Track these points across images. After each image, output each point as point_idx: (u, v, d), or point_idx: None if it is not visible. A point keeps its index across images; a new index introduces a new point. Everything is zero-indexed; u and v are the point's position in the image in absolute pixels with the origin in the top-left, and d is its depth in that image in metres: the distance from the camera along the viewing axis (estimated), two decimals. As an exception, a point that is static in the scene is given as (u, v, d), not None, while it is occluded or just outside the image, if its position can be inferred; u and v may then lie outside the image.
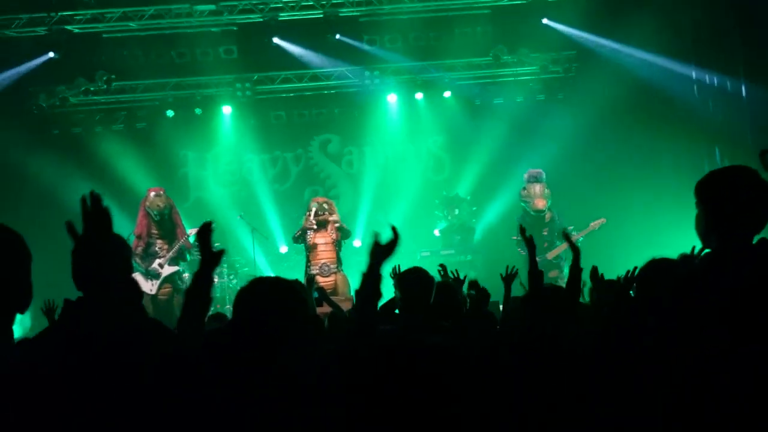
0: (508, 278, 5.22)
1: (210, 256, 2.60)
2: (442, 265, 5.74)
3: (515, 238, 10.79)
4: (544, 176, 11.39)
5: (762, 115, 10.88)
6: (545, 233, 11.18)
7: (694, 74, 12.53)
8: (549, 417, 3.19)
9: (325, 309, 6.90)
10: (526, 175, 11.51)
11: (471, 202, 13.05)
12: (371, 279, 2.70)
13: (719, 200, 2.83)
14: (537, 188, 11.30)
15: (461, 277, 5.44)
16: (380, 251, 2.71)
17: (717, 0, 11.82)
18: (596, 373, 3.25)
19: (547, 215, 11.36)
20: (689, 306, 2.76)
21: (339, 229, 10.29)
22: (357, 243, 12.62)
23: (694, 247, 4.22)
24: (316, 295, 7.87)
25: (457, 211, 12.91)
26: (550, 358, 3.32)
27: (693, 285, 2.79)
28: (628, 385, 3.15)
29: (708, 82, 12.33)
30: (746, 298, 2.65)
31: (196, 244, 10.52)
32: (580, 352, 3.35)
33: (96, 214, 2.31)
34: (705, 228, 2.91)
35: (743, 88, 11.52)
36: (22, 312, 2.09)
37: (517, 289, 5.47)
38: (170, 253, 10.62)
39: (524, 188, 11.46)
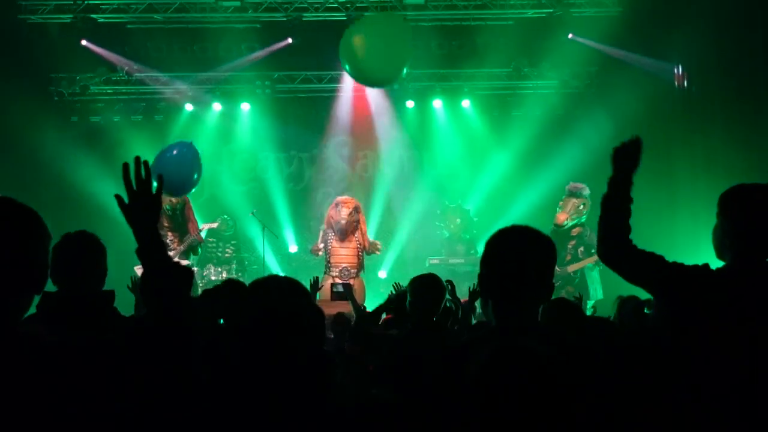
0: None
1: None
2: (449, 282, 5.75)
3: None
4: (583, 191, 11.09)
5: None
6: (570, 246, 11.09)
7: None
8: None
9: (336, 308, 7.01)
10: (567, 187, 11.37)
11: (470, 213, 13.01)
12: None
13: (740, 215, 2.80)
14: (569, 203, 11.17)
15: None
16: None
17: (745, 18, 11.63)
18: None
19: (577, 230, 11.16)
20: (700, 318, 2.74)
21: (368, 243, 10.22)
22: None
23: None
24: (340, 289, 8.07)
25: (458, 221, 12.83)
26: None
27: (704, 296, 2.77)
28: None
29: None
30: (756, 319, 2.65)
31: (209, 239, 10.48)
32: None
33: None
34: (721, 241, 2.88)
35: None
36: (38, 292, 2.05)
37: None
38: (181, 247, 10.65)
39: (562, 200, 11.33)
